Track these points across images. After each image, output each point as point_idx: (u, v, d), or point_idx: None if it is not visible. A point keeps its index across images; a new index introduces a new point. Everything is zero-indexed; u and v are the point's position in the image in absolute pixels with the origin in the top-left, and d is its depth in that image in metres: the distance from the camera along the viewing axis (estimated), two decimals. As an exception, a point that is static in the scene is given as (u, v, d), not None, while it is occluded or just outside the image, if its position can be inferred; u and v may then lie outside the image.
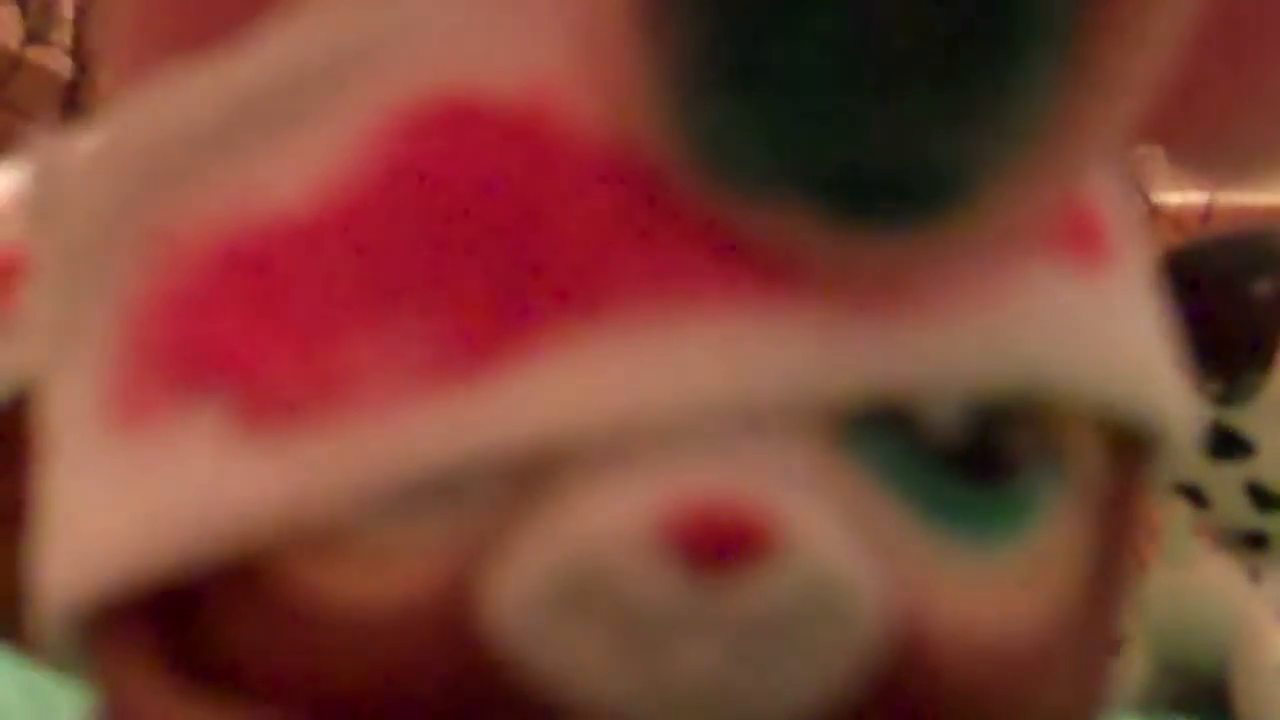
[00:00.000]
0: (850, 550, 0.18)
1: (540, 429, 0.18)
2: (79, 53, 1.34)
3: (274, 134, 0.19)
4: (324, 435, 0.18)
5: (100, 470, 0.20)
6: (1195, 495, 0.74)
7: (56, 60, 1.34)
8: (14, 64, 1.30)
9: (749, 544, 0.17)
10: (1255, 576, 0.74)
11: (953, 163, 0.17)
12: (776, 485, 0.18)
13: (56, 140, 0.21)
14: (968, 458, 0.19)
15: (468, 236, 0.18)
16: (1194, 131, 0.22)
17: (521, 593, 0.17)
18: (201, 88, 0.20)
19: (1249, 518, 0.74)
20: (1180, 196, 1.15)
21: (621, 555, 0.17)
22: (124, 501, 0.19)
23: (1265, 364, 0.71)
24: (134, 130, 0.20)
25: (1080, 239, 0.20)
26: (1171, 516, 0.75)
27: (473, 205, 0.18)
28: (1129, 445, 0.21)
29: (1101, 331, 0.20)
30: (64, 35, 1.34)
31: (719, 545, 0.17)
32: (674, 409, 0.18)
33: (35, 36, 1.33)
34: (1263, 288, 0.71)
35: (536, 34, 0.19)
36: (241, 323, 0.19)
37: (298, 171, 0.19)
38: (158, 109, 0.20)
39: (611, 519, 0.17)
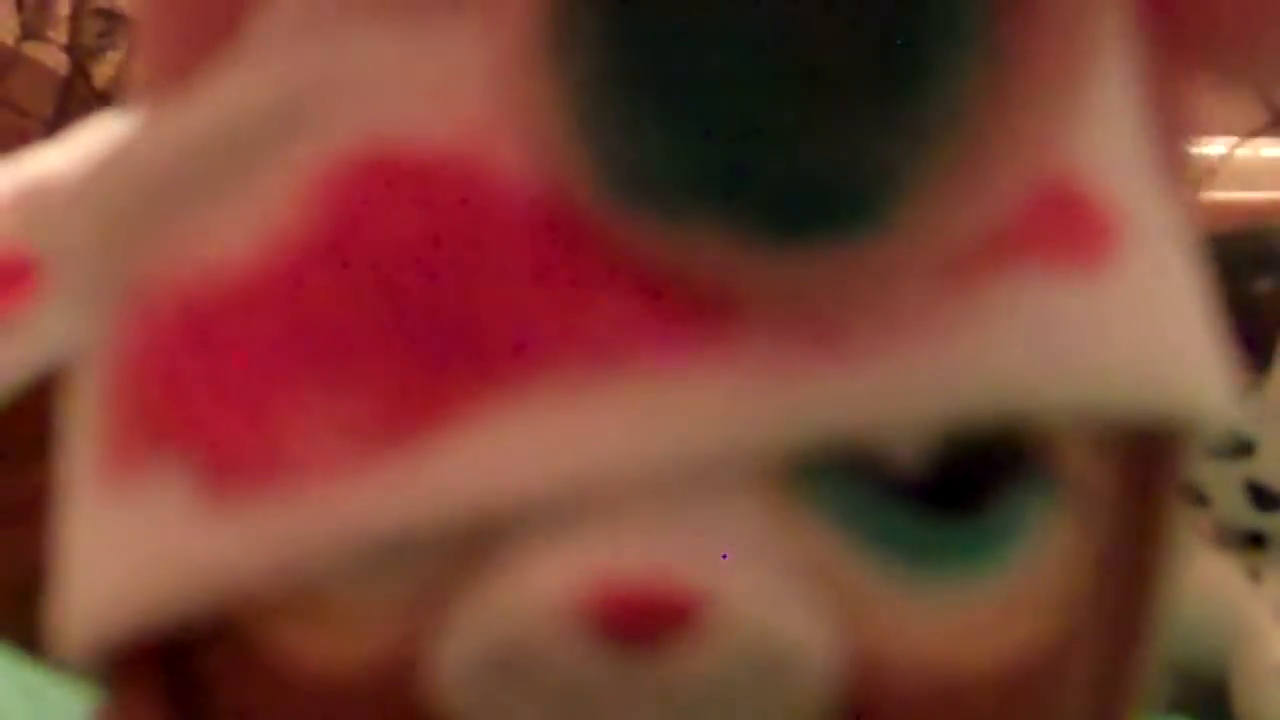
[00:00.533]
0: (791, 608, 0.17)
1: (475, 497, 0.18)
2: (75, 49, 1.34)
3: (223, 185, 0.19)
4: (274, 501, 0.18)
5: (97, 519, 0.20)
6: (1194, 494, 0.74)
7: (52, 56, 1.34)
8: (10, 60, 1.30)
9: (673, 618, 0.17)
10: (1255, 576, 0.74)
11: (876, 174, 0.17)
12: (707, 551, 0.17)
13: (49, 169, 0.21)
14: (936, 492, 0.18)
15: (399, 297, 0.18)
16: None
17: (459, 662, 0.18)
18: (162, 134, 0.20)
19: (1248, 517, 0.74)
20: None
21: (548, 630, 0.17)
22: (115, 553, 0.20)
23: (1265, 363, 0.71)
24: (110, 174, 0.20)
25: (1074, 231, 0.19)
26: (1171, 515, 0.75)
27: (403, 264, 0.18)
28: (1147, 443, 0.20)
29: (1092, 336, 0.19)
30: (60, 32, 1.34)
31: (640, 621, 0.17)
32: (605, 473, 0.17)
33: (31, 33, 1.33)
34: (1263, 286, 0.71)
35: (462, 81, 0.18)
36: (199, 382, 0.19)
37: (243, 224, 0.19)
38: (127, 153, 0.20)
39: (536, 594, 0.17)
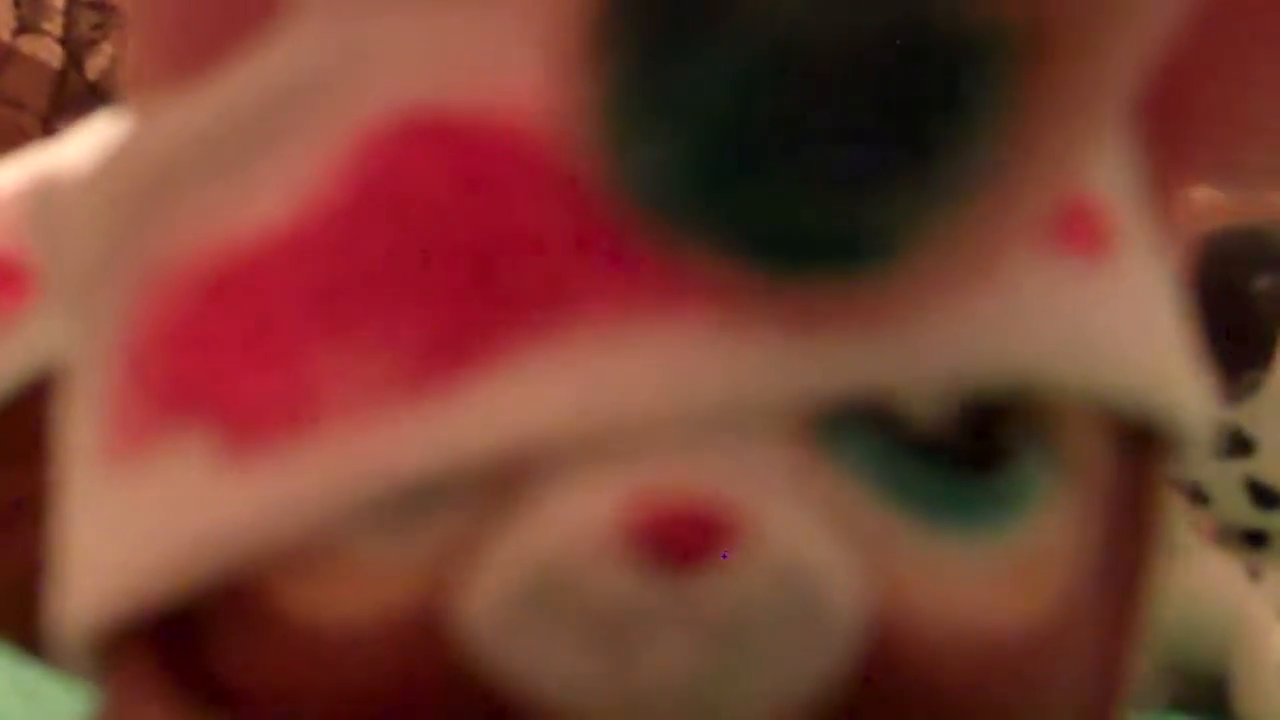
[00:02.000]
0: (824, 543, 0.18)
1: (507, 437, 0.18)
2: (70, 42, 1.33)
3: (253, 157, 0.19)
4: (298, 455, 0.18)
5: (103, 500, 0.20)
6: (1195, 492, 0.74)
7: (48, 50, 1.34)
8: (5, 54, 1.30)
9: (713, 538, 0.17)
10: (1255, 574, 0.74)
11: (881, 222, 0.17)
12: (744, 481, 0.18)
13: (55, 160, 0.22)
14: (954, 450, 0.19)
15: (430, 250, 0.18)
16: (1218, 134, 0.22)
17: (491, 599, 0.18)
18: (184, 114, 0.20)
19: (1249, 515, 0.74)
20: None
21: (586, 556, 0.17)
22: (124, 530, 0.20)
23: (1265, 361, 0.71)
24: (127, 155, 0.20)
25: (1079, 232, 0.20)
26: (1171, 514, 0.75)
27: (435, 220, 0.18)
28: (1142, 441, 0.21)
29: (1097, 322, 0.19)
30: (55, 25, 1.34)
31: (682, 541, 0.17)
32: (639, 412, 0.18)
33: (26, 26, 1.33)
34: (1263, 284, 0.71)
35: (503, 48, 0.19)
36: (222, 347, 0.19)
37: (274, 193, 0.19)
38: (145, 136, 0.20)
39: (575, 521, 0.17)
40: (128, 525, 0.20)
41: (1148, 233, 0.21)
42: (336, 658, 0.19)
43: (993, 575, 0.19)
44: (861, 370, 0.18)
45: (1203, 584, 0.74)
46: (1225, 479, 0.73)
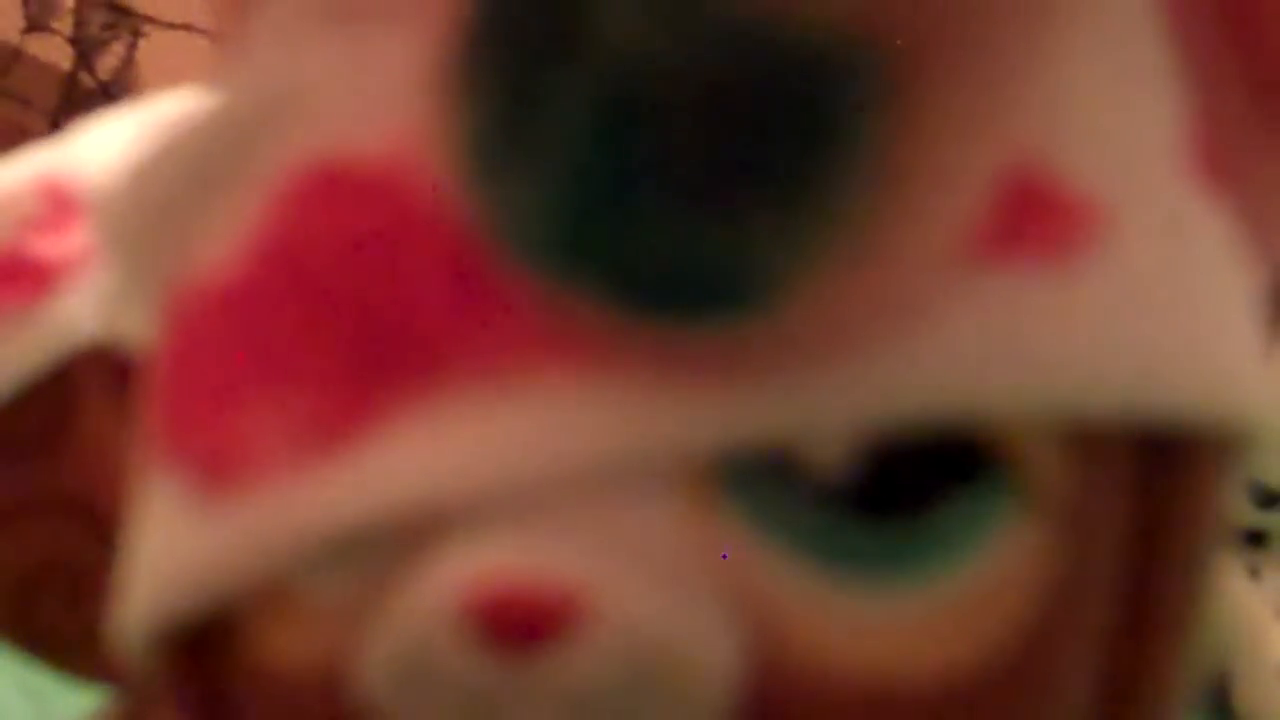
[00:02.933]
0: (688, 614, 0.17)
1: (395, 499, 0.18)
2: (79, 41, 1.34)
3: (208, 195, 0.20)
4: (245, 500, 0.19)
5: (140, 522, 0.21)
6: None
7: (57, 50, 1.34)
8: (14, 54, 1.30)
9: (549, 619, 0.17)
10: (1255, 574, 0.74)
11: (759, 257, 0.17)
12: (594, 553, 0.17)
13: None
14: (865, 497, 0.18)
15: (332, 305, 0.18)
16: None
17: (374, 666, 0.18)
18: (176, 145, 0.20)
19: (1249, 515, 0.74)
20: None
21: (438, 633, 0.17)
22: (140, 554, 0.21)
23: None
24: (138, 179, 0.21)
25: (1038, 228, 0.18)
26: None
27: (337, 272, 0.18)
28: (1165, 449, 0.19)
29: (1050, 331, 0.18)
30: (65, 24, 1.34)
31: (518, 623, 0.17)
32: (517, 478, 0.18)
33: (35, 26, 1.33)
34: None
35: (395, 95, 0.19)
36: (189, 385, 0.20)
37: (222, 237, 0.20)
38: (149, 166, 0.21)
39: (430, 600, 0.17)
40: (141, 550, 0.21)
41: (1166, 199, 0.19)
42: (282, 696, 0.20)
43: (906, 625, 0.18)
44: (755, 419, 0.17)
45: (1203, 584, 0.74)
46: (1226, 479, 0.73)
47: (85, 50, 1.33)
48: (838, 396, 0.17)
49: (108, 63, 1.35)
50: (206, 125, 0.20)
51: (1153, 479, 0.19)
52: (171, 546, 0.20)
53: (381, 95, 0.19)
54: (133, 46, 1.35)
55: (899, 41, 0.16)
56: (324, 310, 0.18)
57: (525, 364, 0.18)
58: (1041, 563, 0.18)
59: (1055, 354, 0.18)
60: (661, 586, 0.17)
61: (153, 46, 1.34)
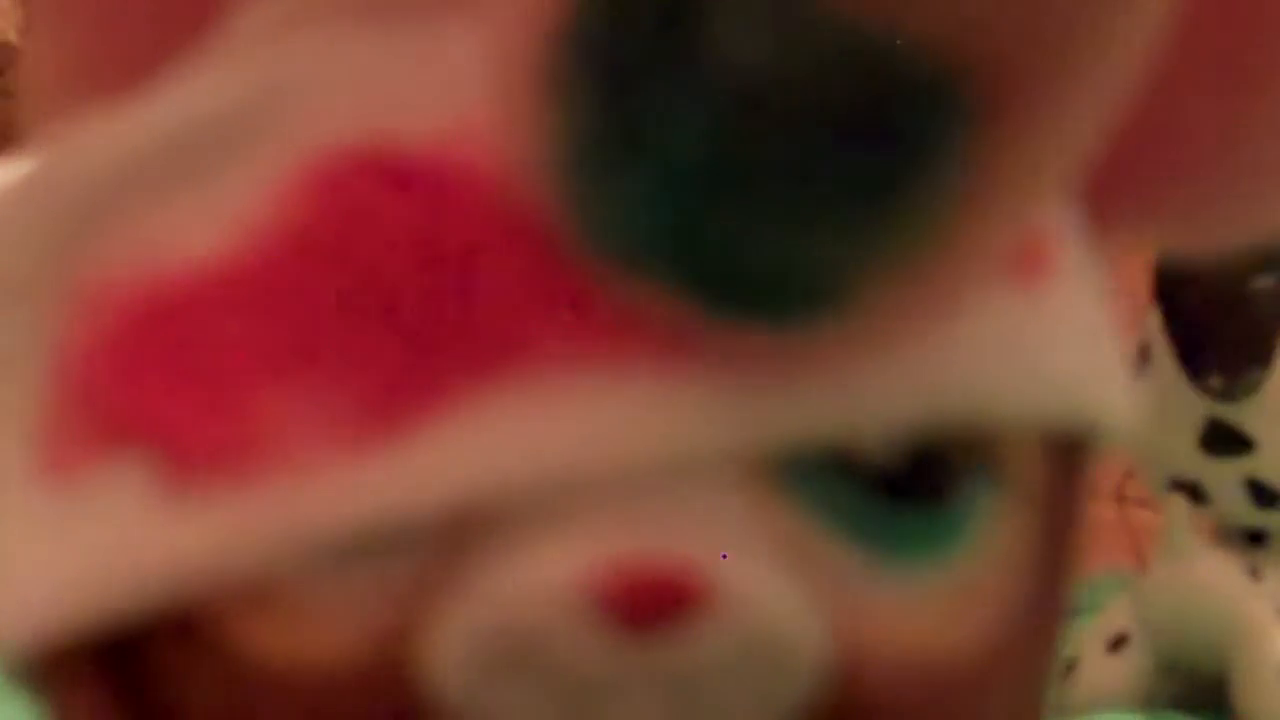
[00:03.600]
0: (788, 597, 0.18)
1: (455, 490, 0.18)
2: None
3: (192, 181, 0.19)
4: (246, 493, 0.18)
5: (31, 518, 0.20)
6: (1195, 491, 0.74)
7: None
8: (12, 53, 1.30)
9: (680, 601, 0.17)
10: (1255, 574, 0.74)
11: (837, 264, 0.17)
12: (707, 539, 0.18)
13: None
14: (904, 485, 0.19)
15: (379, 293, 0.18)
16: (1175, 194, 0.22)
17: (457, 654, 0.18)
18: (121, 130, 0.20)
19: (1249, 514, 0.74)
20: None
21: (552, 618, 0.17)
22: (55, 553, 0.20)
23: (1265, 360, 0.71)
24: (57, 171, 0.20)
25: (1026, 263, 0.20)
26: (1171, 513, 0.75)
27: (383, 260, 0.18)
28: (1067, 449, 0.21)
29: (1042, 350, 0.20)
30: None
31: (649, 604, 0.17)
32: (599, 467, 0.18)
33: (33, 26, 1.33)
34: (1263, 283, 0.71)
35: (454, 85, 0.18)
36: (162, 377, 0.19)
37: (214, 221, 0.19)
38: (79, 151, 0.20)
39: (542, 581, 0.17)
40: (56, 548, 0.20)
41: (1078, 253, 0.21)
42: (287, 700, 0.19)
43: (940, 602, 0.19)
44: (819, 414, 0.18)
45: (1202, 583, 0.74)
46: (1225, 478, 0.73)
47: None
48: (892, 394, 0.18)
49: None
50: (166, 117, 0.19)
51: (1069, 477, 0.21)
52: (120, 540, 0.19)
53: (437, 87, 0.19)
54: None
55: (995, 79, 0.17)
56: (368, 295, 0.18)
57: (601, 355, 0.18)
58: (1017, 557, 0.20)
59: (1045, 369, 0.20)
60: (766, 571, 0.18)
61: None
